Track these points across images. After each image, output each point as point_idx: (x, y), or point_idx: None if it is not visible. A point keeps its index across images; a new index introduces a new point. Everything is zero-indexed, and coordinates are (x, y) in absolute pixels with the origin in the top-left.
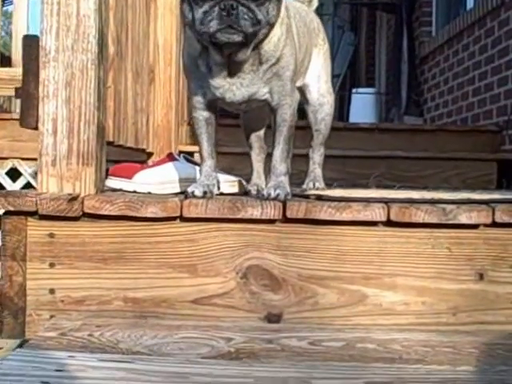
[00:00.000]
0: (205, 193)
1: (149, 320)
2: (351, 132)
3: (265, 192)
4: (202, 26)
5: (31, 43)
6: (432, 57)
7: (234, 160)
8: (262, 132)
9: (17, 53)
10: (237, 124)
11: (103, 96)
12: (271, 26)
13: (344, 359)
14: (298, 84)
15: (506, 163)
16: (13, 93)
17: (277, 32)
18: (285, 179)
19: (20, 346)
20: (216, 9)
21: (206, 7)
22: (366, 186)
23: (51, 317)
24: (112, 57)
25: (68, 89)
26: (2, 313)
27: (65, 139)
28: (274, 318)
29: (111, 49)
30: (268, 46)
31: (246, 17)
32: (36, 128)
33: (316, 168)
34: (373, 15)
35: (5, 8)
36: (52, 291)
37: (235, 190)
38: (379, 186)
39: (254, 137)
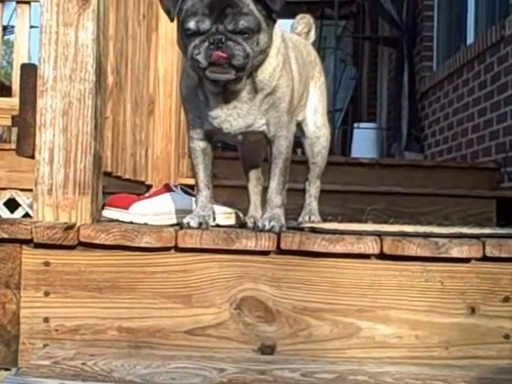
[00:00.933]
0: (200, 224)
1: (143, 350)
2: (352, 167)
3: (260, 223)
4: (192, 61)
5: (29, 72)
6: (432, 92)
7: (233, 193)
8: (259, 164)
9: (17, 83)
10: (237, 157)
11: (100, 125)
12: (265, 53)
13: None
14: (300, 118)
15: (504, 201)
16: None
17: (272, 62)
18: (280, 211)
19: (12, 374)
20: (205, 43)
21: (196, 41)
22: (362, 221)
23: (45, 345)
24: (111, 87)
25: (65, 118)
26: None
27: (61, 168)
28: (267, 349)
29: (110, 79)
30: (263, 75)
31: (235, 51)
32: (32, 157)
33: (312, 201)
34: (375, 49)
35: (6, 37)
36: (46, 320)
37: (231, 221)
38: (376, 221)
39: (251, 169)
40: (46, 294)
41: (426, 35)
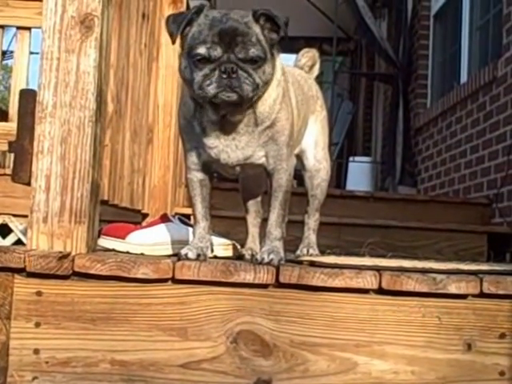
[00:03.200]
0: (198, 255)
1: None
2: (347, 200)
3: (258, 256)
4: (200, 91)
5: (28, 98)
6: (426, 128)
7: (231, 224)
8: (258, 197)
9: (14, 107)
10: (235, 188)
11: (99, 154)
12: (268, 84)
13: None
14: (296, 151)
15: (495, 236)
16: (7, 147)
17: (272, 94)
18: (279, 244)
19: None
20: (216, 72)
21: (206, 70)
22: (359, 254)
23: (34, 378)
24: (111, 115)
25: (63, 145)
26: None
27: (58, 196)
28: None
29: (110, 107)
30: (263, 107)
31: (246, 81)
32: (28, 184)
33: (311, 234)
34: (371, 85)
35: (5, 62)
36: (36, 351)
37: (229, 253)
38: (373, 255)
39: (250, 201)
40: (37, 324)
41: (421, 73)
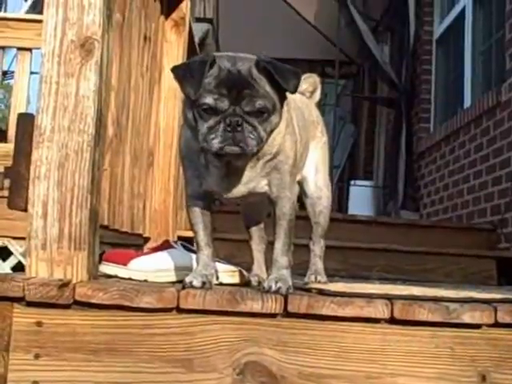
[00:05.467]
0: (203, 283)
1: None
2: (350, 224)
3: (266, 284)
4: (205, 143)
5: (26, 122)
6: (429, 153)
7: (233, 247)
8: (261, 222)
9: (13, 128)
10: (237, 211)
11: (97, 179)
12: (272, 132)
13: None
14: (297, 178)
15: (504, 261)
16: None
17: (276, 132)
18: (286, 272)
19: None
20: (221, 125)
21: (211, 122)
22: (367, 279)
23: None
24: (110, 139)
25: (61, 170)
26: None
27: (55, 222)
28: None
29: (110, 130)
30: (267, 146)
31: (251, 136)
32: (25, 210)
33: (317, 261)
34: (373, 108)
35: (6, 81)
36: None
37: (235, 280)
38: (381, 279)
39: (253, 227)
40: (37, 356)
41: (424, 98)
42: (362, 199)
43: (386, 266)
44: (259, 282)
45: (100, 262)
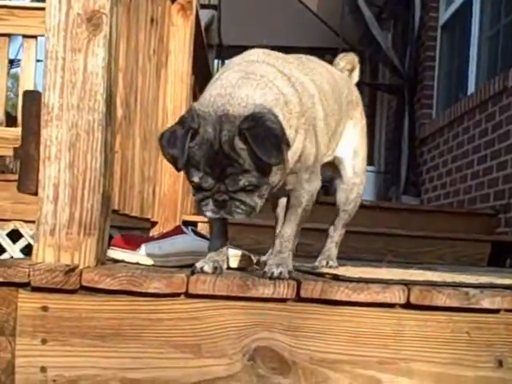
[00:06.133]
0: (215, 268)
1: None
2: None
3: (266, 269)
4: (200, 209)
5: (32, 99)
6: (432, 139)
7: (234, 230)
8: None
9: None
10: None
11: (110, 161)
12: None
13: None
14: (329, 159)
15: (499, 244)
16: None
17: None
18: (288, 256)
19: None
20: (210, 200)
21: (200, 196)
22: (378, 265)
23: None
24: (120, 120)
25: (72, 151)
26: None
27: (66, 207)
28: None
29: (119, 111)
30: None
31: (238, 210)
32: (35, 193)
33: (332, 247)
34: (374, 95)
35: (14, 70)
36: (43, 369)
37: (243, 264)
38: (390, 262)
39: (279, 209)
40: (44, 341)
41: (427, 84)
42: None
43: (381, 248)
44: (258, 264)
45: (108, 246)
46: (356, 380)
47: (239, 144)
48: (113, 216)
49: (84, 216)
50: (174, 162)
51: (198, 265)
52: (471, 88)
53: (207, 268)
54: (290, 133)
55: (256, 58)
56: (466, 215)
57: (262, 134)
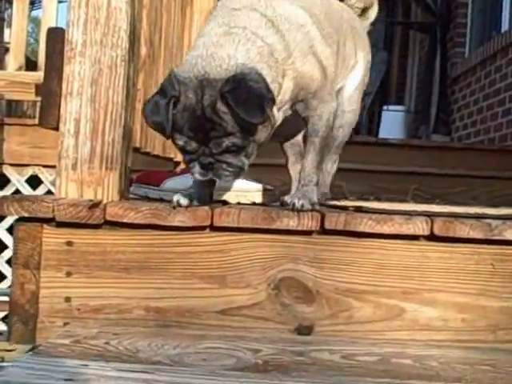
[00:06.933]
0: (190, 201)
1: (171, 329)
2: (382, 147)
3: (289, 201)
4: (190, 171)
5: (56, 36)
6: (464, 77)
7: (261, 170)
8: (298, 138)
9: (43, 58)
10: None
11: (132, 96)
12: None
13: (378, 375)
14: (339, 86)
15: None
16: (37, 98)
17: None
18: (311, 189)
19: (31, 349)
20: (196, 163)
21: (187, 158)
22: (401, 200)
23: (65, 324)
24: (143, 58)
25: (94, 86)
26: (12, 318)
27: (87, 141)
28: (304, 330)
29: (143, 50)
30: None
31: (226, 172)
32: (56, 128)
33: (325, 176)
34: (406, 34)
35: (35, 12)
36: (68, 299)
37: (266, 199)
38: (416, 200)
39: (287, 145)
40: (68, 274)
41: (460, 22)
42: (393, 124)
43: (414, 189)
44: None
45: (130, 184)
46: (380, 309)
47: (222, 108)
48: (134, 155)
49: (106, 150)
50: (160, 131)
51: (175, 198)
52: (505, 25)
53: (183, 201)
54: (276, 81)
55: (239, 5)
56: (498, 152)
57: (244, 96)
